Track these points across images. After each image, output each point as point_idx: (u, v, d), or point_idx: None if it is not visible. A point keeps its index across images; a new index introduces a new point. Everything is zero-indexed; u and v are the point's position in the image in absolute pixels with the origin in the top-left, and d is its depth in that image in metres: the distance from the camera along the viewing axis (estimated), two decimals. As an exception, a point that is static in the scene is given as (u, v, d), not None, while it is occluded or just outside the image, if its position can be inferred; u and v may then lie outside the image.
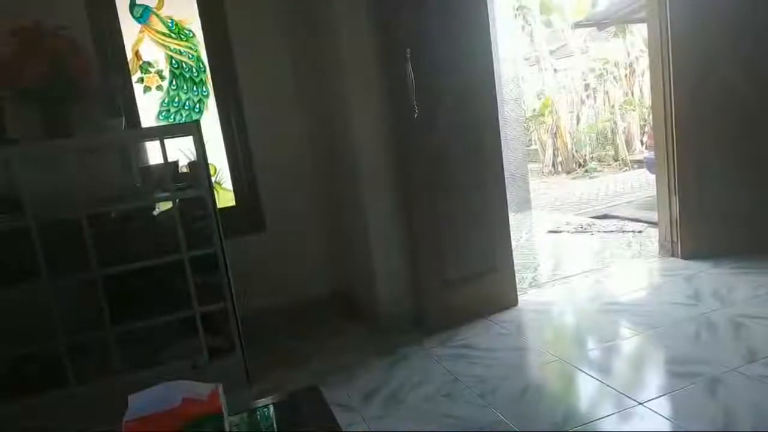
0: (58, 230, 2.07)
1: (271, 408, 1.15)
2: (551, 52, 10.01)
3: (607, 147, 9.36)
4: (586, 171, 8.82)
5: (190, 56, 2.86)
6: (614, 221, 4.66)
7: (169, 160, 2.20)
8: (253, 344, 2.37)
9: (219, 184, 2.92)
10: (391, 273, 2.66)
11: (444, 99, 2.55)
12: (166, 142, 2.16)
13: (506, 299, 2.82)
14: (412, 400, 2.03)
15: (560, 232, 4.49)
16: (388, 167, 2.59)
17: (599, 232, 4.28)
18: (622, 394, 1.89)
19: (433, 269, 2.62)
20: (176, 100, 2.84)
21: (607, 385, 1.96)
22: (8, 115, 2.21)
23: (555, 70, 9.78)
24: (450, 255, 2.64)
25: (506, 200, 2.82)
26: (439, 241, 2.61)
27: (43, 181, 2.17)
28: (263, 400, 1.18)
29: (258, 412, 1.14)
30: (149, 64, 2.81)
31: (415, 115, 2.44)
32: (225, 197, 2.92)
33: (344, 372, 2.32)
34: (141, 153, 2.59)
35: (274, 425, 1.09)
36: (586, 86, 9.87)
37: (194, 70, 2.87)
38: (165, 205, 2.43)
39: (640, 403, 1.81)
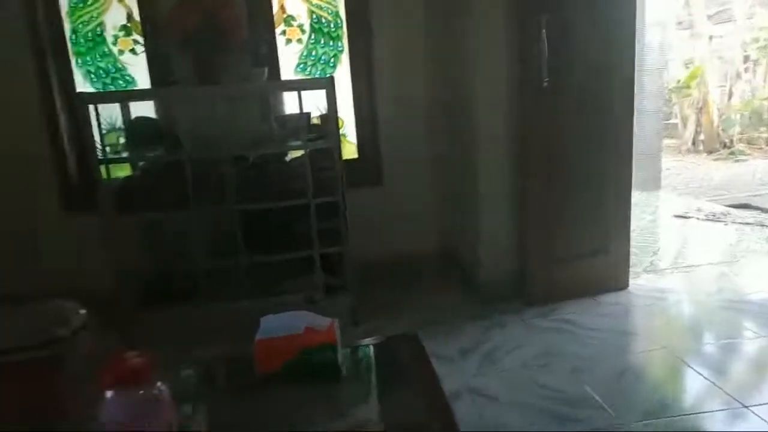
0: (205, 167, 2.34)
1: (372, 348, 1.26)
2: (709, 17, 8.99)
3: (761, 129, 8.36)
4: (732, 153, 7.97)
5: (330, 11, 3.00)
6: (755, 212, 4.24)
7: (303, 111, 2.38)
8: (362, 289, 2.55)
9: (344, 136, 3.08)
10: (497, 240, 2.69)
11: (575, 67, 2.47)
12: (302, 94, 2.33)
13: (616, 281, 2.74)
14: (506, 363, 2.10)
15: (688, 217, 4.19)
16: (507, 134, 2.58)
17: (735, 222, 3.93)
18: (727, 394, 1.82)
19: (542, 242, 2.60)
20: (313, 53, 3.01)
21: (713, 383, 1.89)
22: (172, 63, 2.50)
23: (710, 37, 8.79)
24: (561, 230, 2.61)
25: (631, 179, 2.70)
26: (551, 214, 2.58)
27: (196, 122, 2.45)
28: (367, 339, 1.29)
29: (361, 350, 1.26)
30: (292, 17, 2.99)
31: (545, 83, 2.39)
32: (348, 149, 3.08)
33: (441, 327, 2.43)
34: (278, 103, 2.81)
35: (373, 364, 1.21)
36: (746, 58, 8.78)
37: (332, 26, 3.01)
38: (295, 153, 2.64)
39: (746, 407, 1.74)
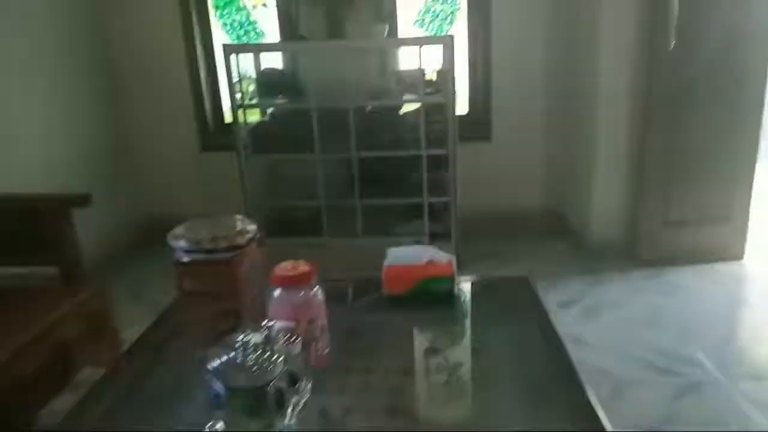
0: (328, 115, 2.52)
1: (485, 285, 1.37)
2: None
3: None
4: None
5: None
6: None
7: (421, 67, 2.47)
8: (464, 239, 2.66)
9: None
10: (610, 198, 2.68)
11: (707, 32, 2.35)
12: (421, 50, 2.42)
13: (732, 250, 2.64)
14: (609, 318, 2.15)
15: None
16: (629, 95, 2.53)
17: None
18: None
19: (656, 205, 2.56)
20: (432, 10, 3.06)
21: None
22: (301, 17, 2.67)
23: None
24: (677, 194, 2.55)
25: (758, 147, 2.56)
26: (668, 178, 2.52)
27: (320, 74, 2.63)
28: (480, 277, 1.39)
29: (474, 285, 1.37)
30: (413, -27, 3.06)
31: (671, 47, 2.31)
32: (459, 105, 3.13)
33: (545, 279, 2.47)
34: (397, 58, 2.92)
35: (472, 302, 1.32)
36: None
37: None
38: (409, 107, 2.75)
39: None
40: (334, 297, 1.01)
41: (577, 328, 2.05)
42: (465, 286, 1.33)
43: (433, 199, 2.56)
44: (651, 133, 2.50)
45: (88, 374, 1.43)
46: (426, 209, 2.56)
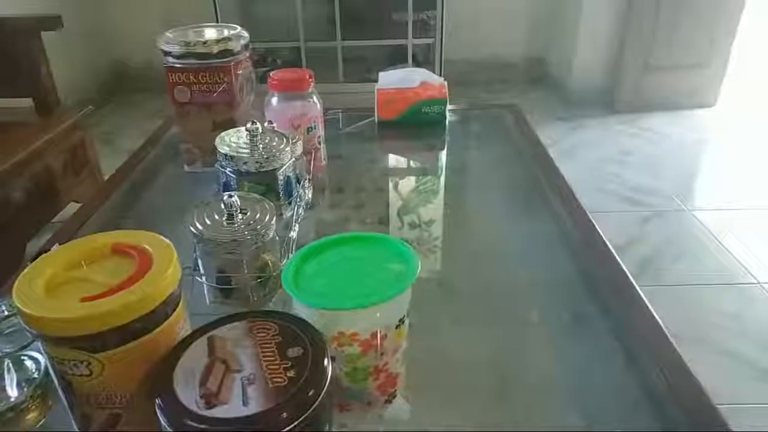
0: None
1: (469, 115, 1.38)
2: None
3: None
4: None
5: None
6: None
7: None
8: (449, 83, 2.61)
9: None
10: (594, 45, 2.64)
11: None
12: None
13: (707, 97, 2.69)
14: (584, 157, 2.23)
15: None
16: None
17: None
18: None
19: (638, 50, 2.54)
20: None
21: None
22: None
23: None
24: (660, 39, 2.52)
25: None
26: (653, 22, 2.47)
27: None
28: (468, 108, 1.40)
29: (466, 112, 1.38)
30: None
31: None
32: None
33: (524, 126, 2.52)
34: None
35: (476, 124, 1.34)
36: None
37: None
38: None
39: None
40: (325, 125, 0.99)
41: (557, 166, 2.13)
42: (457, 112, 1.34)
43: (417, 41, 2.48)
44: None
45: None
46: (410, 52, 2.49)
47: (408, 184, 1.04)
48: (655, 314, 0.61)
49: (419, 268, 0.45)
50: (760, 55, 3.44)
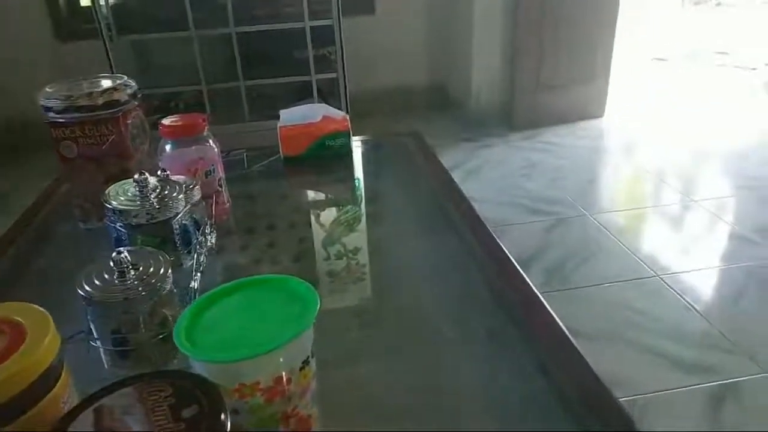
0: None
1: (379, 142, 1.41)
2: None
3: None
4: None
5: None
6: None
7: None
8: (352, 117, 2.66)
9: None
10: (488, 67, 2.79)
11: None
12: None
13: (596, 109, 2.91)
14: (490, 175, 2.34)
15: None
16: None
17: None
18: (679, 192, 2.09)
19: (530, 69, 2.71)
20: None
21: (668, 183, 2.17)
22: None
23: None
24: (549, 57, 2.70)
25: (617, 13, 2.75)
26: (541, 42, 2.66)
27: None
28: (371, 139, 1.43)
29: (370, 142, 1.40)
30: None
31: None
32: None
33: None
34: None
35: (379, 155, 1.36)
36: None
37: None
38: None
39: (694, 200, 2.02)
40: (229, 166, 0.97)
41: (463, 186, 2.21)
42: (362, 143, 1.36)
43: (320, 76, 2.51)
44: (524, 5, 2.59)
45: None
46: (315, 87, 2.51)
47: (327, 215, 1.03)
48: (558, 320, 0.63)
49: (318, 307, 0.45)
50: (635, 67, 3.78)
